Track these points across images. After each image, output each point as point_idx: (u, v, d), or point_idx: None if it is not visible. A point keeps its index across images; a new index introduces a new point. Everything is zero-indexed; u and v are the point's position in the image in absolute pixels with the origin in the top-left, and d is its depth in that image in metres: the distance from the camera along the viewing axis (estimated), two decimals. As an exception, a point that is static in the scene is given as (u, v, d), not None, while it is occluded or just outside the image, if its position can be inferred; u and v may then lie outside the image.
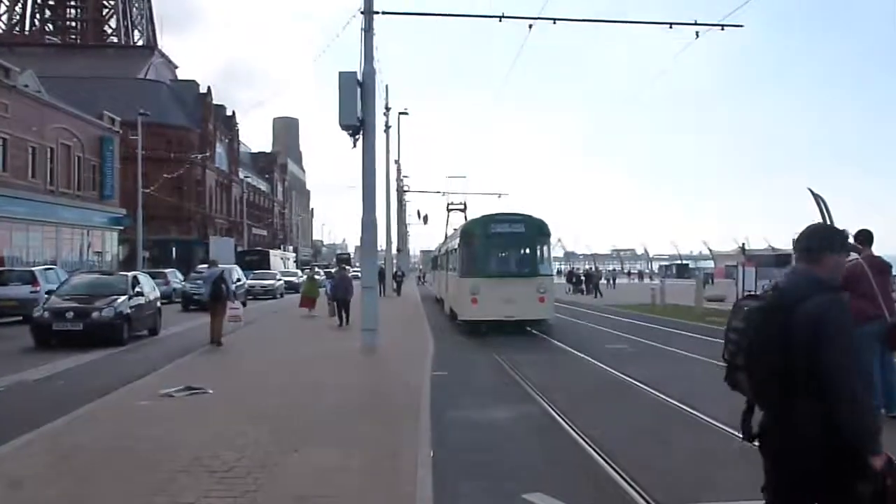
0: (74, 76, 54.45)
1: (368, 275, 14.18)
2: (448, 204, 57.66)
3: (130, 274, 16.74)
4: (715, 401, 8.68)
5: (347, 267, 23.91)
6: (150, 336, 16.67)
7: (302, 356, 12.38)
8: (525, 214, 19.40)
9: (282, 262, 54.02)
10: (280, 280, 38.74)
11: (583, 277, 43.94)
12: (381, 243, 46.80)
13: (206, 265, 32.43)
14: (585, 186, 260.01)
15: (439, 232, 75.98)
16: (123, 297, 15.33)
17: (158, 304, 17.58)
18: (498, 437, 6.98)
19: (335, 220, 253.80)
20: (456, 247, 21.02)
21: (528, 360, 12.44)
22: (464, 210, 55.95)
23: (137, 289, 16.23)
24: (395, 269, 39.45)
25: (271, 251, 55.94)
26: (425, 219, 67.99)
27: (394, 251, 45.63)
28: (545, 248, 19.24)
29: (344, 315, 18.68)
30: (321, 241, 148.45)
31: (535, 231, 18.97)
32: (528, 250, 19.07)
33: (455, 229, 28.14)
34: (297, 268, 57.83)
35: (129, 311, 15.26)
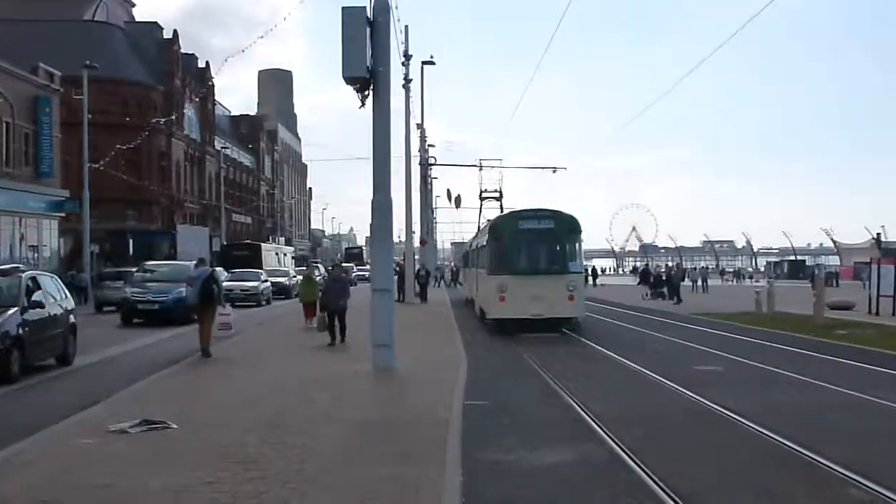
0: (1, 19, 53.99)
1: (381, 273, 14.13)
2: (481, 192, 60.53)
3: (25, 275, 14.71)
4: (842, 442, 8.64)
5: (349, 265, 24.10)
6: (58, 367, 15.04)
7: (295, 381, 12.41)
8: (554, 210, 23.66)
9: (277, 259, 54.79)
10: (265, 281, 38.19)
11: (663, 278, 42.93)
12: (400, 234, 44.76)
13: (160, 262, 31.96)
14: (665, 161, 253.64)
15: (475, 218, 77.64)
16: (12, 311, 13.34)
17: (71, 318, 15.93)
18: (551, 490, 6.89)
19: (341, 203, 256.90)
20: (484, 243, 25.50)
21: (590, 386, 12.79)
22: (499, 199, 58.34)
23: (36, 297, 14.27)
24: (417, 268, 38.98)
25: (263, 245, 56.74)
26: (457, 201, 67.72)
27: (416, 244, 45.76)
28: (575, 245, 23.39)
29: (338, 329, 18.35)
30: (322, 231, 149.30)
31: (565, 227, 23.09)
32: (557, 247, 23.13)
33: (487, 220, 33.23)
34: (298, 266, 59.11)
35: (20, 331, 13.27)
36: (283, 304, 35.56)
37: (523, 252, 23.39)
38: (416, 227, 54.44)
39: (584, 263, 26.20)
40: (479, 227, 45.54)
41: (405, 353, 14.78)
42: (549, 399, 11.78)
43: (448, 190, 70.50)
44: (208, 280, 16.36)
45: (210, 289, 16.25)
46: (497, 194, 58.09)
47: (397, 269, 32.61)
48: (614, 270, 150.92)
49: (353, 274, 62.98)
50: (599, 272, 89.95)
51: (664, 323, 26.50)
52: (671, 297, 38.82)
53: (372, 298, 14.09)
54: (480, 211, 58.09)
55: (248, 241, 64.30)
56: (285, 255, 62.00)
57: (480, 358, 16.60)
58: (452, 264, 76.95)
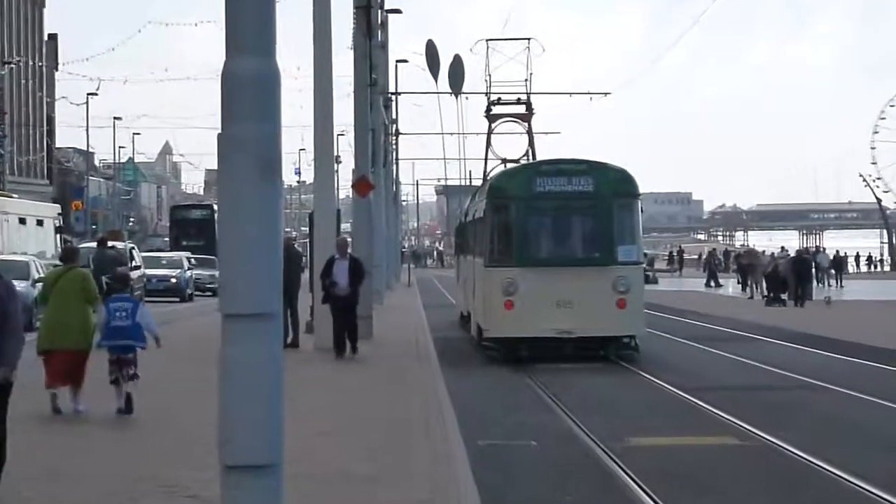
0: None
1: (245, 274, 13.60)
2: (490, 104, 65.40)
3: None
4: None
5: (126, 246, 23.34)
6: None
7: None
8: (594, 162, 33.62)
9: (21, 233, 60.64)
10: None
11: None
12: (296, 165, 47.14)
13: None
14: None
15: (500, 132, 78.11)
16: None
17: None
18: None
19: (139, 83, 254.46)
20: (481, 215, 35.93)
21: None
22: (526, 115, 71.84)
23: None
24: (332, 257, 36.17)
25: None
26: (454, 76, 67.23)
27: (345, 192, 45.18)
28: (630, 217, 33.18)
29: None
30: (88, 155, 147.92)
31: (612, 189, 32.97)
32: (599, 222, 32.77)
33: (499, 167, 50.14)
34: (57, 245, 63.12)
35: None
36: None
37: (542, 230, 32.90)
38: (342, 145, 54.06)
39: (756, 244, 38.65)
40: (484, 172, 61.31)
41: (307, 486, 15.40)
42: None
43: (430, 45, 70.31)
44: None
45: None
46: (523, 105, 69.43)
47: (287, 254, 29.91)
48: (877, 261, 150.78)
49: (135, 270, 62.99)
50: (844, 261, 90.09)
51: None
52: None
53: (223, 343, 13.32)
54: (488, 144, 61.82)
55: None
56: (40, 223, 67.55)
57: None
58: (437, 247, 78.92)
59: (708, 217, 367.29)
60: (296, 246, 40.74)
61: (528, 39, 77.12)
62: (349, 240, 40.35)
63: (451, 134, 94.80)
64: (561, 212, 30.86)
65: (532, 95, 76.85)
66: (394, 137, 79.34)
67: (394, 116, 75.04)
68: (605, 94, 73.36)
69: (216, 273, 78.96)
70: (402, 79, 76.79)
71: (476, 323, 35.19)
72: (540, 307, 29.04)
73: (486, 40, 69.56)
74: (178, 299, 71.75)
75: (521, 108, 62.73)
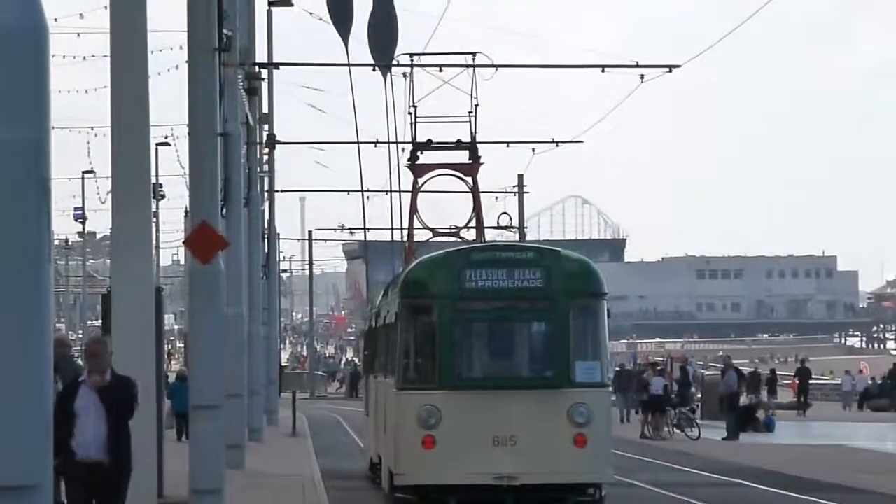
0: None
1: None
2: (416, 149, 66.88)
3: None
4: None
5: None
6: None
7: None
8: (544, 248, 37.31)
9: None
10: None
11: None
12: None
13: None
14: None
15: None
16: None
17: None
18: None
19: None
20: (393, 319, 38.76)
21: None
22: (470, 166, 67.72)
23: None
24: (78, 377, 29.28)
25: None
26: (374, 39, 69.71)
27: (172, 256, 39.64)
28: (594, 323, 36.70)
29: None
30: None
31: (569, 285, 36.18)
32: (551, 329, 36.58)
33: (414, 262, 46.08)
34: None
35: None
36: None
37: (474, 341, 35.55)
38: (166, 163, 49.88)
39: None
40: (406, 253, 57.03)
41: None
42: None
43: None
44: None
45: None
46: (464, 154, 66.40)
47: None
48: None
49: None
50: None
51: None
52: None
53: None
54: (413, 208, 63.85)
55: None
56: None
57: None
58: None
59: (871, 302, 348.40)
60: (74, 356, 32.40)
61: (473, 54, 70.89)
62: (106, 342, 30.15)
63: (375, 143, 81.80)
64: (499, 316, 33.04)
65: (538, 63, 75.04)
66: (266, 150, 70.83)
67: (265, 109, 66.81)
68: (671, 67, 66.67)
69: None
70: (280, 39, 70.12)
71: (387, 467, 36.82)
72: (471, 445, 30.97)
73: (410, 54, 63.42)
74: None
75: (463, 155, 55.10)
